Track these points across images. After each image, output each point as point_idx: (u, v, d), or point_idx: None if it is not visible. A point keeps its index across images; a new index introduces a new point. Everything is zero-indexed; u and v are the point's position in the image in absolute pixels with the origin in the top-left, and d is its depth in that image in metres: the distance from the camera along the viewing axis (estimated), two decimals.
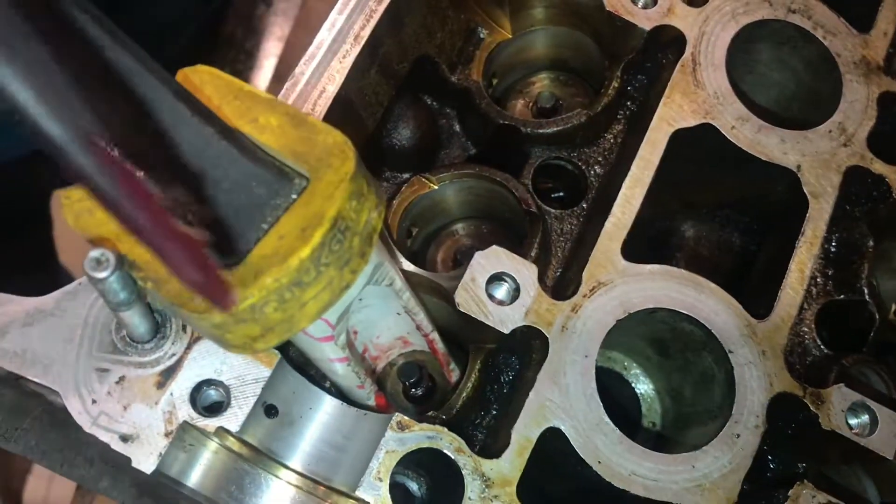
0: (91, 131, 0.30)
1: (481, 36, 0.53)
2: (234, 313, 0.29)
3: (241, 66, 0.98)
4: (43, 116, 0.29)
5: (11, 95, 0.28)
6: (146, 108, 0.30)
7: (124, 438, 0.37)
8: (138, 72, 0.31)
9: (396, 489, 0.39)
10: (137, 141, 0.30)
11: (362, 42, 0.45)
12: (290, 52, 0.99)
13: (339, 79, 0.44)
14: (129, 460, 0.37)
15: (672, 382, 0.49)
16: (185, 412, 0.38)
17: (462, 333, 0.46)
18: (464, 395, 0.45)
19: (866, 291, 0.51)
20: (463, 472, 0.38)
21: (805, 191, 0.46)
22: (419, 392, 0.45)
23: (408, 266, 0.44)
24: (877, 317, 0.50)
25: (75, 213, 0.33)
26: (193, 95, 0.32)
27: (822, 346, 0.49)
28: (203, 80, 0.34)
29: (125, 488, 0.51)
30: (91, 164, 0.29)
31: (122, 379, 0.38)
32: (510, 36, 0.53)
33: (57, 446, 0.49)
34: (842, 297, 0.51)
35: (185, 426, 0.37)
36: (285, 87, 0.43)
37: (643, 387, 0.51)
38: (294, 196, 0.31)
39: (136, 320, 0.36)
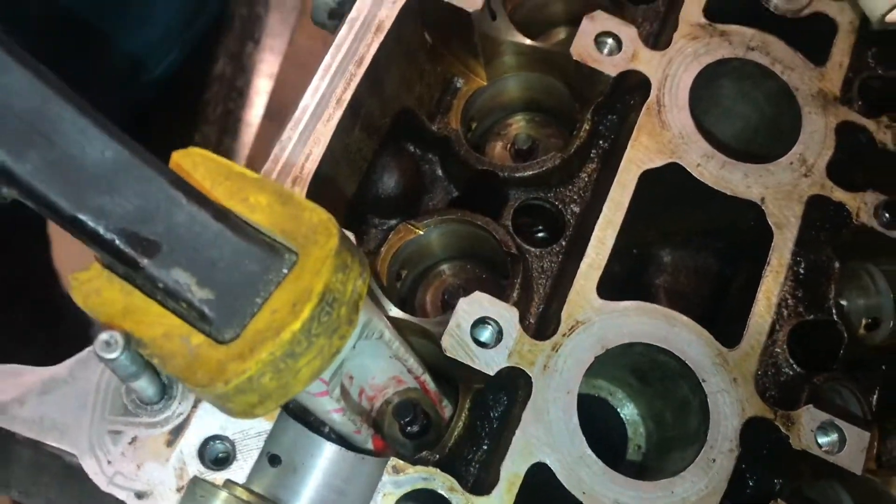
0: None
1: (458, 85, 0.56)
2: (234, 385, 0.32)
3: (233, 104, 1.01)
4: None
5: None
6: (144, 199, 0.33)
7: (139, 495, 0.40)
8: (137, 165, 0.33)
9: None
10: (140, 230, 0.33)
11: (344, 105, 0.47)
12: (280, 89, 1.02)
13: (325, 140, 0.46)
14: None
15: (654, 408, 0.52)
16: (195, 467, 0.40)
17: (452, 372, 0.48)
18: (455, 432, 0.47)
19: (834, 311, 0.53)
20: None
21: (769, 222, 0.49)
22: (415, 429, 0.48)
23: (396, 313, 0.46)
24: (845, 335, 0.53)
25: (84, 293, 0.36)
26: (187, 182, 0.35)
27: (794, 366, 0.52)
28: (195, 162, 0.37)
29: None
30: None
31: (134, 439, 0.40)
32: (485, 83, 0.56)
33: (75, 500, 0.52)
34: (811, 317, 0.53)
35: (196, 480, 0.40)
36: (274, 151, 0.46)
37: (627, 411, 0.53)
38: (285, 271, 0.34)
39: (144, 386, 0.38)
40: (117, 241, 0.33)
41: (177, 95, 0.97)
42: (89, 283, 0.36)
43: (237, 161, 1.03)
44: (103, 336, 0.32)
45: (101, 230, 0.33)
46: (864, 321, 0.57)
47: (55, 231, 1.31)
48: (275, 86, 1.02)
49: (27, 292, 1.36)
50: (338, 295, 0.34)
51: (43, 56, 0.33)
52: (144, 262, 0.33)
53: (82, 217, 0.33)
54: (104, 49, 0.85)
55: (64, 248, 1.39)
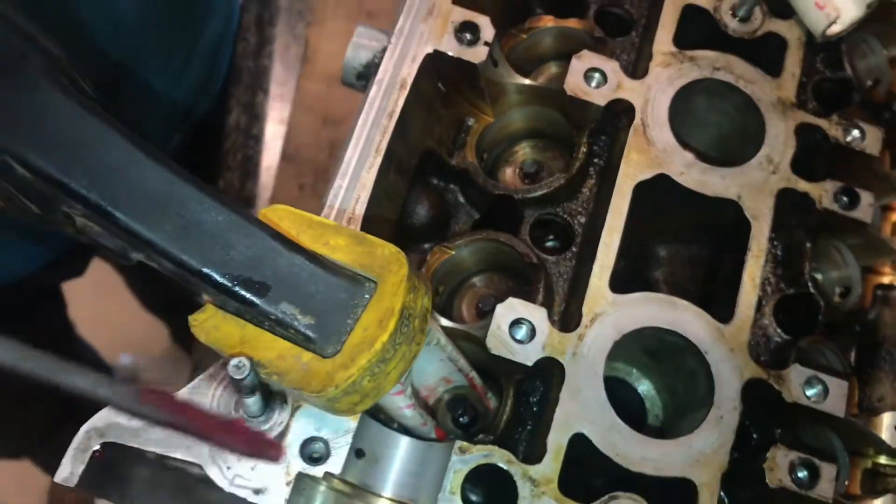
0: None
1: (469, 124, 0.65)
2: (342, 389, 0.41)
3: (251, 150, 1.09)
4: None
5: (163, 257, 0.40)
6: (253, 250, 0.42)
7: (256, 492, 0.48)
8: (244, 224, 0.42)
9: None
10: (252, 275, 0.42)
11: (382, 153, 0.56)
12: (293, 132, 1.10)
13: (369, 185, 0.55)
14: None
15: (667, 382, 0.60)
16: (298, 464, 0.49)
17: (495, 369, 0.57)
18: (503, 417, 0.56)
19: (811, 284, 0.63)
20: (515, 478, 0.50)
21: (747, 215, 0.58)
22: (466, 420, 0.57)
23: (445, 322, 0.55)
24: (822, 303, 0.62)
25: (205, 330, 0.44)
26: (281, 233, 0.43)
27: (781, 333, 0.61)
28: (280, 216, 0.46)
29: None
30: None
31: None
32: (493, 119, 0.65)
33: None
34: (791, 291, 0.62)
35: (300, 475, 0.49)
36: (328, 199, 0.54)
37: (644, 388, 0.62)
38: (367, 297, 0.43)
39: (254, 401, 0.47)
40: (237, 287, 0.41)
41: (199, 145, 1.05)
42: (207, 322, 0.44)
43: (261, 202, 1.14)
44: (234, 361, 0.41)
45: (223, 279, 0.41)
46: (837, 290, 0.66)
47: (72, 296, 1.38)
48: (287, 130, 1.10)
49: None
50: (412, 311, 0.43)
51: None
52: (258, 300, 0.42)
53: (206, 270, 0.41)
54: (143, 98, 0.92)
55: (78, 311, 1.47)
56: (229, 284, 0.41)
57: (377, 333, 0.41)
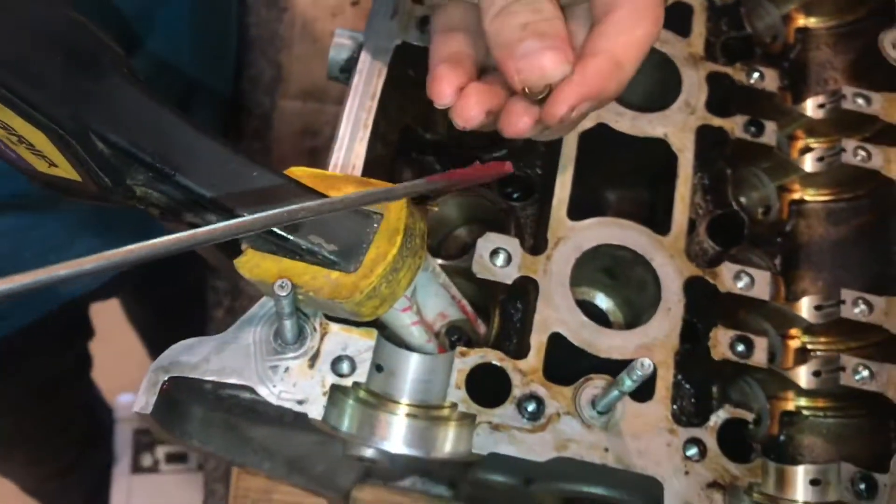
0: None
1: None
2: (366, 294, 0.52)
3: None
4: None
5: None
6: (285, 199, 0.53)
7: (299, 402, 0.59)
8: (275, 178, 0.53)
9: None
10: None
11: (369, 128, 0.68)
12: (276, 146, 1.22)
13: (362, 155, 0.67)
14: (305, 416, 0.59)
15: (623, 295, 0.72)
16: (331, 378, 0.59)
17: (481, 297, 0.69)
18: (493, 333, 0.68)
19: (735, 205, 0.75)
20: (507, 371, 0.61)
21: (673, 149, 0.71)
22: (461, 344, 0.68)
23: (439, 261, 0.67)
24: (746, 219, 0.74)
25: (248, 268, 0.55)
26: (307, 185, 0.55)
27: (714, 246, 0.73)
28: (299, 175, 0.57)
29: (279, 466, 0.74)
30: None
31: (287, 369, 0.59)
32: None
33: (233, 445, 0.72)
34: (719, 212, 0.75)
35: (333, 387, 0.59)
36: (331, 165, 0.66)
37: (606, 305, 0.74)
38: (376, 225, 0.54)
39: (290, 326, 0.58)
40: (276, 227, 0.53)
41: None
42: (249, 262, 0.55)
43: None
44: (278, 283, 0.52)
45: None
46: (760, 210, 0.78)
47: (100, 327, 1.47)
48: (271, 143, 1.22)
49: (65, 385, 1.50)
50: (413, 230, 0.54)
51: None
52: (291, 236, 0.53)
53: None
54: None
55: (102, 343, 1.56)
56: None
57: (388, 248, 0.53)
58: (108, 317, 1.61)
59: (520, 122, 0.55)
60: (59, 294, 1.06)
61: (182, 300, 1.45)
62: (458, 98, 0.55)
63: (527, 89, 0.52)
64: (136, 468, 2.37)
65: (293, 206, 0.45)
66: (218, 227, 0.45)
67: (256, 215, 0.45)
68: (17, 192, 0.88)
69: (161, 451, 2.39)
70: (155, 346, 1.95)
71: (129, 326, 1.92)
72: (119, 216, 1.06)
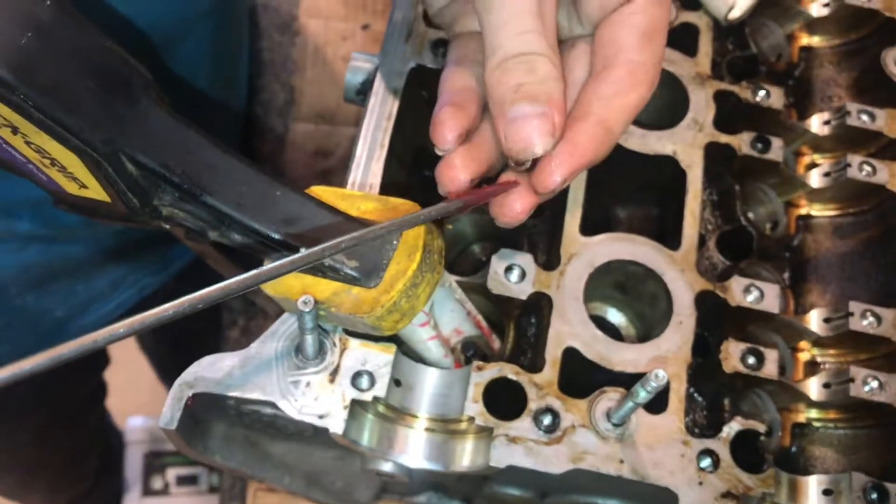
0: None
1: None
2: (387, 308, 0.53)
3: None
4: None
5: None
6: (310, 217, 0.55)
7: (320, 417, 0.60)
8: (298, 198, 0.55)
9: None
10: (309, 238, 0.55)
11: (385, 147, 0.70)
12: (289, 167, 1.24)
13: (379, 174, 0.69)
14: (326, 431, 0.60)
15: (635, 309, 0.74)
16: (351, 393, 0.61)
17: (496, 312, 0.70)
18: (507, 348, 0.69)
19: (743, 220, 0.77)
20: (523, 384, 0.62)
21: (682, 165, 0.72)
22: (476, 360, 0.70)
23: (455, 277, 0.68)
24: (754, 233, 0.76)
25: (272, 286, 0.57)
26: (328, 204, 0.56)
27: (724, 260, 0.75)
28: (319, 193, 0.59)
29: (298, 481, 0.75)
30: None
31: (308, 384, 0.61)
32: None
33: (254, 461, 0.73)
34: (728, 227, 0.76)
35: (353, 402, 0.61)
36: (348, 183, 0.68)
37: (618, 319, 0.75)
38: (396, 242, 0.56)
39: (311, 342, 0.59)
40: (297, 244, 0.54)
41: None
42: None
43: None
44: (302, 299, 0.53)
45: (286, 238, 0.54)
46: (768, 225, 0.80)
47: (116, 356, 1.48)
48: (284, 165, 1.24)
49: (83, 414, 1.52)
50: (431, 247, 0.56)
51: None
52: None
53: (273, 234, 0.54)
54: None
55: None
56: (291, 242, 0.54)
57: (408, 265, 0.54)
58: (125, 345, 1.63)
59: (516, 206, 0.56)
60: (84, 326, 1.07)
61: (195, 319, 1.46)
62: (442, 164, 0.56)
63: (511, 159, 0.53)
64: (147, 491, 2.37)
65: (338, 240, 0.47)
66: (263, 270, 0.46)
67: (304, 252, 0.46)
68: (43, 224, 0.90)
69: (172, 474, 2.40)
70: (166, 368, 1.96)
71: (138, 350, 1.93)
72: (143, 247, 1.08)
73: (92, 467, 1.72)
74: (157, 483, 2.38)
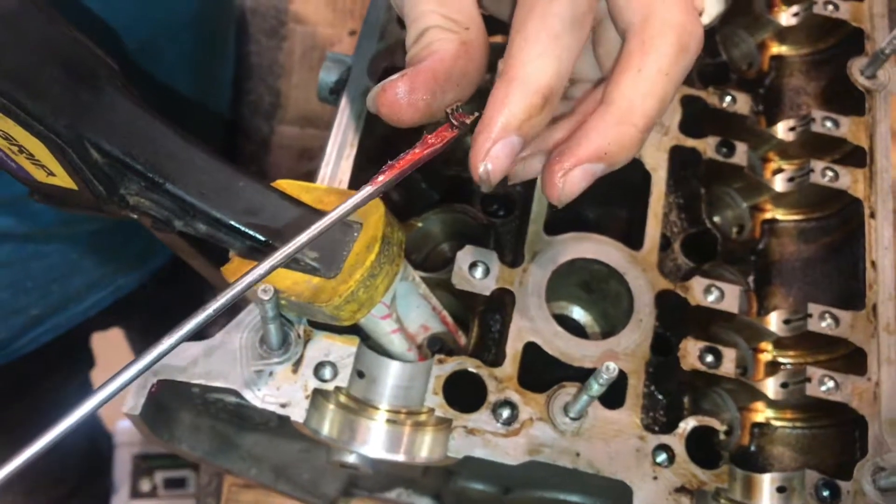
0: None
1: None
2: (344, 298, 0.55)
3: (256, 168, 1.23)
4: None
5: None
6: (272, 208, 0.56)
7: (282, 405, 0.61)
8: (262, 189, 0.56)
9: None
10: (270, 224, 0.56)
11: (355, 146, 0.71)
12: (274, 170, 1.25)
13: (348, 172, 0.70)
14: (288, 419, 0.62)
15: (599, 308, 0.75)
16: (313, 383, 0.62)
17: (461, 309, 0.71)
18: (471, 343, 0.70)
19: (708, 223, 0.78)
20: (483, 378, 0.64)
21: (647, 168, 0.74)
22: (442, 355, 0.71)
23: (421, 273, 0.69)
24: (719, 236, 0.77)
25: (234, 275, 0.58)
26: (291, 196, 0.58)
27: (688, 262, 0.76)
28: (284, 186, 0.60)
29: (266, 473, 0.76)
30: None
31: (271, 374, 0.62)
32: None
33: (221, 451, 0.74)
34: (693, 230, 0.78)
35: (315, 391, 0.62)
36: (318, 179, 0.69)
37: (583, 318, 0.76)
38: (356, 234, 0.57)
39: (274, 332, 0.60)
40: (259, 234, 0.56)
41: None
42: (236, 268, 0.58)
43: None
44: (262, 287, 0.54)
45: (248, 229, 0.56)
46: (734, 229, 0.81)
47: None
48: (269, 168, 1.25)
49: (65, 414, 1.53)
50: (390, 238, 0.57)
51: None
52: (275, 244, 0.56)
53: (235, 223, 0.55)
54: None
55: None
56: (252, 233, 0.56)
57: (366, 255, 0.55)
58: (110, 345, 1.64)
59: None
60: (60, 323, 1.09)
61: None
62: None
63: None
64: (135, 493, 2.38)
65: (294, 243, 0.48)
66: (250, 279, 0.47)
67: (285, 249, 0.47)
68: (18, 222, 0.92)
69: (160, 477, 2.41)
70: None
71: (128, 351, 1.94)
72: (119, 246, 1.09)
73: (74, 470, 1.73)
74: (145, 485, 2.39)
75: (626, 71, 0.49)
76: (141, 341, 1.77)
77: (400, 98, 0.49)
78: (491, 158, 0.48)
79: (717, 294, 0.69)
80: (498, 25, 0.85)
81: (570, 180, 0.50)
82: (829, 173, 0.74)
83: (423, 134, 0.51)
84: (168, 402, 0.67)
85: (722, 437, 0.69)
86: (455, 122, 0.51)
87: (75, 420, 0.39)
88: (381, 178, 0.50)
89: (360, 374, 0.64)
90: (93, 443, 1.99)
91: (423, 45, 0.50)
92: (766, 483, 0.63)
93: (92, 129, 0.51)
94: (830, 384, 0.66)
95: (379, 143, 0.75)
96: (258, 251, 0.57)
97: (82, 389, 1.55)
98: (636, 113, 0.49)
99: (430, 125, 0.53)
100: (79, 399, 1.29)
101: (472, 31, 0.50)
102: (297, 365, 0.62)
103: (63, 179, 0.54)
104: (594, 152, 0.50)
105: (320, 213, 0.57)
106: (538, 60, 0.47)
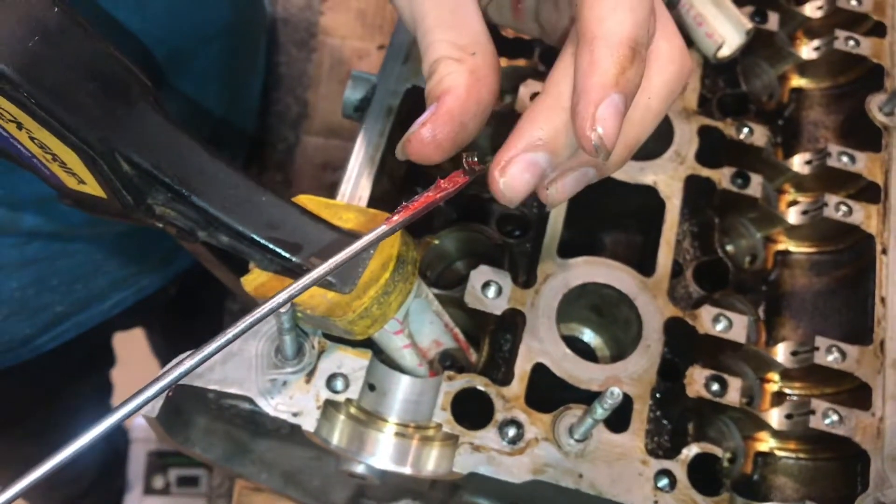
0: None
1: None
2: (358, 313, 0.56)
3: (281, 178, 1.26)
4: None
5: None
6: (292, 223, 0.58)
7: (294, 414, 0.63)
8: (283, 204, 0.58)
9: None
10: (288, 238, 0.58)
11: (377, 163, 0.73)
12: (298, 179, 1.27)
13: (369, 188, 0.72)
14: (299, 427, 0.63)
15: (609, 332, 0.76)
16: (325, 393, 0.63)
17: (473, 326, 0.73)
18: (481, 362, 0.71)
19: (720, 252, 0.79)
20: (491, 396, 0.65)
21: (661, 196, 0.75)
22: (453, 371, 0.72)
23: (435, 290, 0.71)
24: (731, 266, 0.78)
25: (253, 286, 0.60)
26: (311, 211, 0.60)
27: (699, 290, 0.77)
28: (304, 202, 0.62)
29: (276, 478, 0.78)
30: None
31: (285, 383, 0.64)
32: None
33: (234, 454, 0.76)
34: (706, 258, 0.79)
35: (327, 402, 0.64)
36: (338, 195, 0.71)
37: (593, 341, 0.78)
38: (372, 252, 0.59)
39: (290, 343, 0.62)
40: (277, 248, 0.57)
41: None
42: (255, 280, 0.60)
43: None
44: None
45: (267, 242, 0.57)
46: (747, 258, 0.82)
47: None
48: (293, 177, 1.27)
49: (84, 412, 1.55)
50: (405, 257, 0.58)
51: None
52: (293, 257, 0.58)
53: (256, 237, 0.57)
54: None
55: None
56: (272, 246, 0.57)
57: (381, 274, 0.57)
58: (131, 345, 1.67)
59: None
60: (82, 321, 1.11)
61: (203, 320, 1.50)
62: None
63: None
64: (148, 489, 2.40)
65: (311, 276, 0.50)
66: (285, 296, 0.49)
67: (321, 267, 0.49)
68: (47, 221, 0.94)
69: (173, 474, 2.43)
70: None
71: (150, 354, 1.97)
72: (143, 249, 1.12)
73: (92, 465, 1.76)
74: (158, 482, 2.42)
75: (560, 59, 0.51)
76: (162, 342, 1.80)
77: (426, 143, 0.52)
78: (599, 121, 0.45)
79: (725, 323, 0.70)
80: (504, 47, 0.87)
81: (510, 173, 0.50)
82: (843, 208, 0.75)
83: (437, 179, 0.54)
84: (184, 405, 0.69)
85: (725, 464, 0.70)
86: (467, 168, 0.53)
87: (97, 434, 0.41)
88: (395, 218, 0.52)
89: (371, 387, 0.66)
90: (109, 440, 2.02)
91: (436, 81, 0.52)
92: None
93: (123, 143, 0.53)
94: (835, 417, 0.67)
95: (401, 163, 0.77)
96: (277, 264, 0.59)
97: (103, 388, 1.58)
98: (564, 97, 0.48)
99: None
100: (98, 397, 1.31)
101: (479, 56, 0.52)
102: (310, 375, 0.64)
103: (93, 188, 0.57)
104: (527, 140, 0.49)
105: (338, 230, 0.59)
106: (614, 14, 0.46)
